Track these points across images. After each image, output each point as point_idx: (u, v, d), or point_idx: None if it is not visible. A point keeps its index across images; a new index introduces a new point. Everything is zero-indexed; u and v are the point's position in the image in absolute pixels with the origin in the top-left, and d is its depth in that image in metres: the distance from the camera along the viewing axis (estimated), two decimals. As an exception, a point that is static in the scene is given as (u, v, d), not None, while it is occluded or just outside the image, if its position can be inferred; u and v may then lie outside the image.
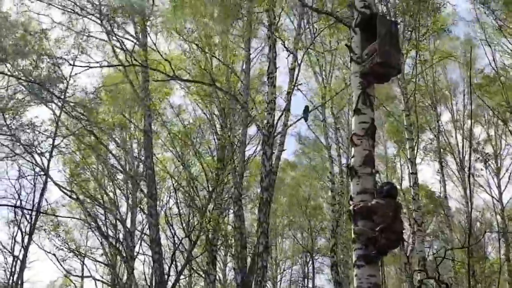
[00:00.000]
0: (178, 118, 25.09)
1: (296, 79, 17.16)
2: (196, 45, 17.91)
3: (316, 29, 16.93)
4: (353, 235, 7.19)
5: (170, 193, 25.23)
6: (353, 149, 7.68)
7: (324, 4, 16.83)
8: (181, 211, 23.91)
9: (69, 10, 19.19)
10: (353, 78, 7.99)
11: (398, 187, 25.94)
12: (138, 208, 26.17)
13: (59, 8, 19.26)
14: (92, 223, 23.10)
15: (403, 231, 7.18)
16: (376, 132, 7.81)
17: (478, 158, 27.20)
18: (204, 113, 24.36)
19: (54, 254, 25.09)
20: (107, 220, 24.11)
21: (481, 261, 25.84)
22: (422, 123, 25.93)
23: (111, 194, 25.30)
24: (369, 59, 7.61)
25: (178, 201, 23.59)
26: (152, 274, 32.74)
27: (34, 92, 20.66)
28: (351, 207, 7.30)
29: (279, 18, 16.96)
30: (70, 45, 19.44)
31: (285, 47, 16.92)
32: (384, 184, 7.32)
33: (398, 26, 8.61)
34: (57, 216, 24.58)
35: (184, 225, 23.26)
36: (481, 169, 26.80)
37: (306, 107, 17.06)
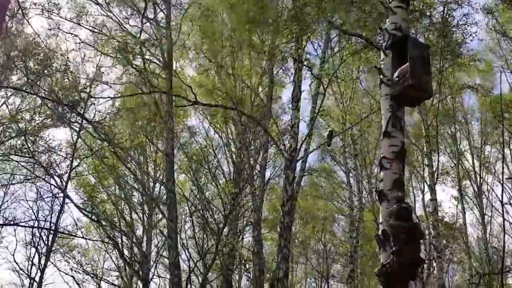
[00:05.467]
0: (193, 140, 25.18)
1: (321, 104, 17.10)
2: (221, 66, 17.92)
3: (343, 55, 16.83)
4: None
5: (186, 216, 25.17)
6: (381, 172, 7.56)
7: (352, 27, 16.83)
8: (196, 234, 23.83)
9: (97, 31, 19.34)
10: (382, 101, 7.89)
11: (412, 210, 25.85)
12: (154, 231, 26.08)
13: (89, 29, 19.43)
14: (111, 244, 23.06)
15: (418, 256, 6.81)
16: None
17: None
18: (220, 137, 24.43)
19: (73, 276, 25.01)
20: (123, 242, 24.03)
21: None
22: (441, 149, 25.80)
23: (127, 217, 25.25)
24: (400, 82, 7.54)
25: (193, 224, 23.53)
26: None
27: (58, 113, 20.76)
28: (379, 232, 7.15)
29: (306, 43, 16.97)
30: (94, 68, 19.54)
31: (311, 73, 16.87)
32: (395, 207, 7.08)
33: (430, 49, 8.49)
34: (76, 236, 24.47)
35: (199, 248, 23.12)
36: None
37: (331, 132, 17.00)
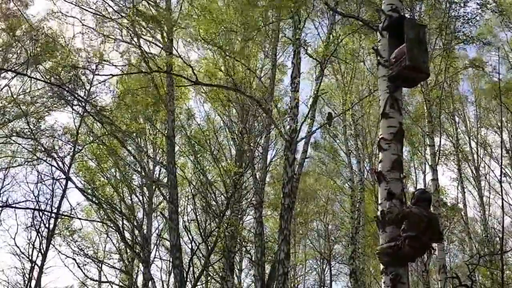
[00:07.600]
0: (194, 122, 25.16)
1: (319, 85, 17.02)
2: (221, 48, 17.78)
3: (341, 36, 16.70)
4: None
5: (188, 198, 25.19)
6: (380, 153, 7.57)
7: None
8: (198, 216, 23.87)
9: (99, 14, 19.20)
10: (380, 82, 7.88)
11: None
12: (155, 213, 26.14)
13: (88, 11, 19.29)
14: (112, 227, 23.15)
15: (430, 243, 6.87)
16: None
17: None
18: (222, 119, 24.39)
19: (74, 259, 25.06)
20: (124, 225, 24.09)
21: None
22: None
23: (127, 200, 25.29)
24: (397, 63, 7.52)
25: (195, 206, 23.54)
26: (169, 281, 32.92)
27: (59, 96, 20.72)
28: (378, 213, 7.19)
29: (304, 24, 16.84)
30: (95, 51, 19.36)
31: (308, 54, 16.75)
32: (417, 191, 7.15)
33: (426, 30, 8.47)
34: (78, 218, 24.52)
35: (201, 230, 23.19)
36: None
37: (330, 114, 17.06)
